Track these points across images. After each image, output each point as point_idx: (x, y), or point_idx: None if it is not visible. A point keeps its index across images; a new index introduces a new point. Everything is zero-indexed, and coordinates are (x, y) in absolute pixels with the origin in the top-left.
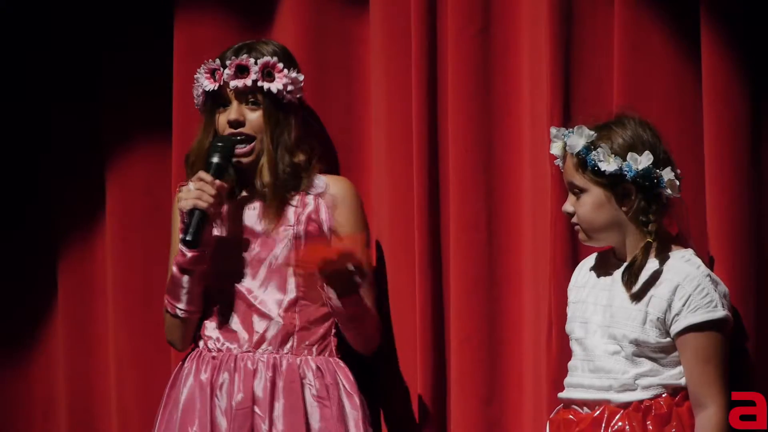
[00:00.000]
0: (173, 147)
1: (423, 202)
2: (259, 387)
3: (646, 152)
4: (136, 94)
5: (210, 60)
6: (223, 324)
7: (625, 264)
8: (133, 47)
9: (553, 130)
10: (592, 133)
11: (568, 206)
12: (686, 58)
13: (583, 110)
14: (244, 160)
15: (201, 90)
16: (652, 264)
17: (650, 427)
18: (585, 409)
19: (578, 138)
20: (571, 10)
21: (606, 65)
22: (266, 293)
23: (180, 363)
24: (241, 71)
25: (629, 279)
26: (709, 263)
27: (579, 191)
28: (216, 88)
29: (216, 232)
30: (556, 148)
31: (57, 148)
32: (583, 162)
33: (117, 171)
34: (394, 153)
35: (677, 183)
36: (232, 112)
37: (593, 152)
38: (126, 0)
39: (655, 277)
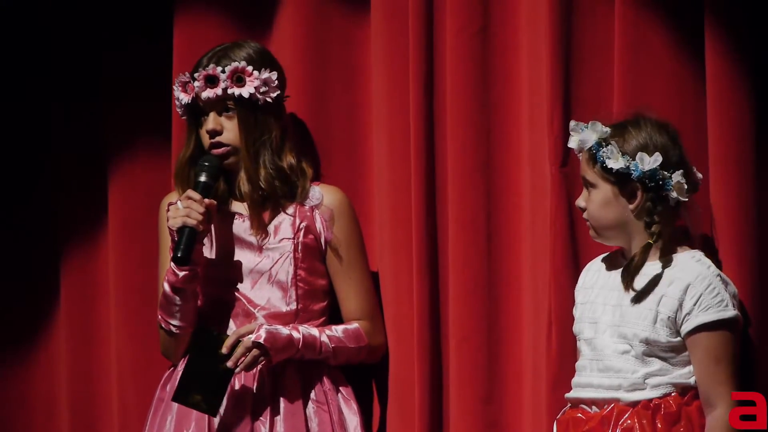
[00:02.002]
0: (173, 148)
1: (421, 202)
2: (259, 391)
3: (657, 153)
4: (136, 94)
5: (181, 73)
6: (222, 331)
7: (625, 264)
8: (133, 47)
9: (572, 124)
10: (606, 129)
11: (580, 201)
12: (687, 58)
13: (584, 110)
14: (225, 162)
15: (179, 104)
16: (658, 265)
17: (659, 426)
18: (594, 408)
19: (591, 133)
20: (570, 10)
21: (606, 65)
22: (267, 303)
23: (171, 368)
24: (210, 81)
25: (626, 279)
26: (715, 263)
27: (590, 186)
28: (189, 100)
29: (213, 243)
30: (572, 142)
31: (58, 149)
32: (593, 157)
33: (118, 172)
34: (395, 153)
35: (685, 186)
36: (209, 122)
37: (603, 149)
38: (126, 0)
39: (665, 277)
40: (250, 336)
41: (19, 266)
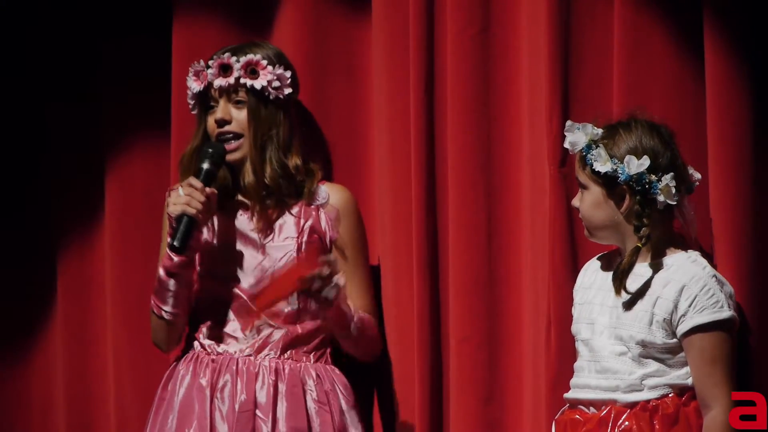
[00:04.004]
0: (172, 146)
1: (421, 201)
2: (262, 390)
3: (645, 157)
4: (135, 93)
5: (195, 62)
6: (222, 328)
7: (615, 267)
8: (132, 47)
9: (567, 124)
10: (597, 131)
11: (575, 201)
12: (686, 57)
13: (583, 111)
14: (231, 156)
15: (191, 93)
16: (651, 266)
17: (657, 427)
18: (591, 409)
19: (582, 135)
20: (570, 11)
21: (606, 65)
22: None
23: (173, 364)
24: (224, 70)
25: (615, 283)
26: (713, 264)
27: (583, 188)
28: (202, 88)
29: (215, 237)
30: (566, 142)
31: (56, 148)
32: (583, 159)
33: (116, 170)
34: (396, 154)
35: (673, 190)
36: (218, 111)
37: (592, 151)
38: (125, 0)
39: (660, 278)
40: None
41: (16, 265)
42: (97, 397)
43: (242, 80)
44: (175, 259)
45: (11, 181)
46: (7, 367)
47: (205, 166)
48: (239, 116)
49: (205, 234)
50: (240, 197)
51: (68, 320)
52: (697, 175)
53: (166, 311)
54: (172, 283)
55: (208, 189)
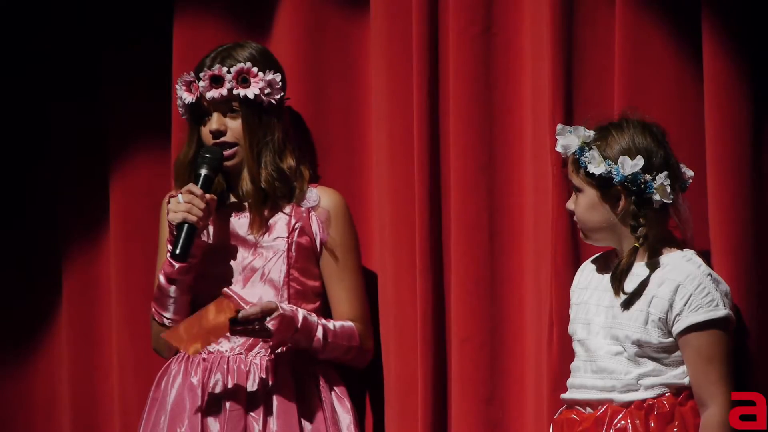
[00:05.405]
0: (173, 148)
1: (424, 202)
2: (253, 388)
3: (638, 157)
4: (136, 95)
5: (185, 73)
6: None
7: (613, 268)
8: (133, 47)
9: (558, 128)
10: (589, 134)
11: (569, 204)
12: (687, 58)
13: (585, 111)
14: (227, 164)
15: (182, 103)
16: (647, 266)
17: (653, 426)
18: (588, 409)
19: (574, 138)
20: (572, 11)
21: (607, 66)
22: (258, 301)
23: (166, 364)
24: (216, 81)
25: (614, 283)
26: (711, 263)
27: (577, 190)
28: (194, 100)
29: (209, 238)
30: (558, 146)
31: (60, 150)
32: (576, 162)
33: (120, 172)
34: (396, 153)
35: (668, 189)
36: (213, 122)
37: (586, 154)
38: (126, 0)
39: (655, 278)
40: (269, 314)
41: (20, 267)
42: (101, 398)
43: (235, 91)
44: (176, 265)
45: (16, 182)
46: (12, 369)
47: (204, 171)
48: (234, 125)
49: (201, 237)
50: (234, 199)
51: (73, 321)
52: (690, 173)
53: (167, 318)
54: (173, 290)
55: (207, 195)
